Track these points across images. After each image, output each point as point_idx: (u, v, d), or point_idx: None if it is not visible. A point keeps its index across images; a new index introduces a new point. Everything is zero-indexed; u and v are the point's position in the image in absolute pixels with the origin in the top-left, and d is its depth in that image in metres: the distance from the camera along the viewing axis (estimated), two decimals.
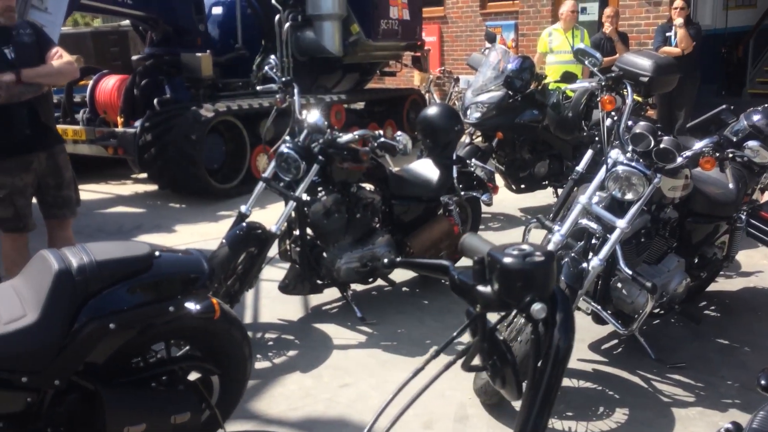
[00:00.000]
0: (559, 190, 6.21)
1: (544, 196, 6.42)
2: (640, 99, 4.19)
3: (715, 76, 11.27)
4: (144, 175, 7.40)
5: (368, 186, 4.12)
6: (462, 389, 3.17)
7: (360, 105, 9.82)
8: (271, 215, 4.47)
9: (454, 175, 4.28)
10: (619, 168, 2.98)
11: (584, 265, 2.98)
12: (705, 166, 2.94)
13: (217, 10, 8.71)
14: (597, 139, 4.50)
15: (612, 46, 7.71)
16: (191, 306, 2.32)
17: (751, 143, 3.43)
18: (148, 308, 2.30)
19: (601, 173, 3.07)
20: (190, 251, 2.75)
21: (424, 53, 9.99)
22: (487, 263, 1.09)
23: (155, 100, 7.02)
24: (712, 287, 4.14)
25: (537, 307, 1.03)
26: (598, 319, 3.32)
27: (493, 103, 5.64)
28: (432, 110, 4.40)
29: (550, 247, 3.05)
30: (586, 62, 3.38)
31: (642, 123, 3.02)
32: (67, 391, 2.20)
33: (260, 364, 3.43)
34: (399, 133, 3.82)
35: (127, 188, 7.67)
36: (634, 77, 3.60)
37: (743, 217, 3.65)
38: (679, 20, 7.23)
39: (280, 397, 3.15)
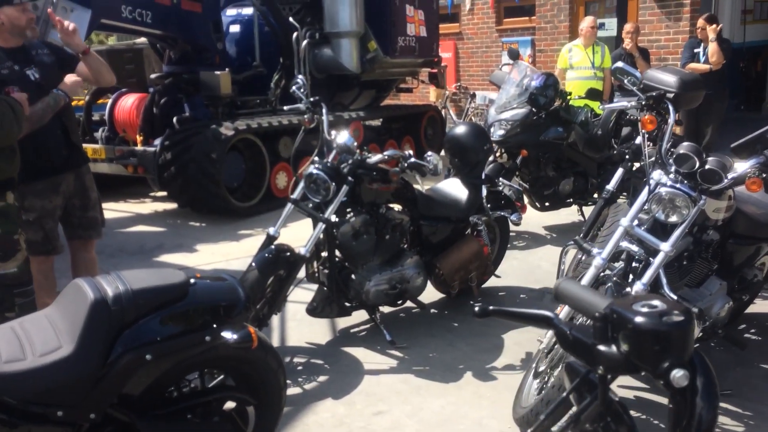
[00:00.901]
0: (584, 208, 6.13)
1: (569, 214, 6.33)
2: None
3: (735, 91, 11.15)
4: (163, 194, 7.37)
5: (396, 206, 4.04)
6: (500, 417, 3.07)
7: (377, 122, 9.78)
8: (294, 234, 4.42)
9: (483, 194, 4.20)
10: (663, 190, 2.89)
11: (628, 289, 2.89)
12: (752, 187, 2.85)
13: (235, 28, 8.71)
14: (627, 157, 4.41)
15: (633, 62, 7.63)
16: (228, 335, 2.25)
17: None
18: (184, 338, 2.23)
19: (644, 195, 2.98)
20: (224, 277, 2.69)
21: (441, 69, 9.95)
22: (612, 321, 0.98)
23: (174, 119, 7.00)
24: (752, 309, 4.03)
25: (678, 374, 0.92)
26: None
27: (518, 121, 5.57)
28: (460, 129, 4.34)
29: (592, 271, 2.96)
30: (625, 81, 3.30)
31: (685, 143, 2.94)
32: (102, 424, 2.13)
33: (291, 391, 3.33)
34: (429, 153, 3.75)
35: (147, 207, 7.64)
36: (660, 94, 3.51)
37: None
38: (712, 35, 7.13)
39: (314, 425, 3.07)
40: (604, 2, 9.72)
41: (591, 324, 1.01)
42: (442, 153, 4.55)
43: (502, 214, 4.36)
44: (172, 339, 2.20)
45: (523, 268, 5.08)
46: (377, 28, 8.57)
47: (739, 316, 3.91)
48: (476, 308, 1.25)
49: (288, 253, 3.57)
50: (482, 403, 3.24)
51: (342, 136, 3.65)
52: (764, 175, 2.85)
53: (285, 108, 4.64)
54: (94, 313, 2.04)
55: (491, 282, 4.62)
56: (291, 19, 8.29)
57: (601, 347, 0.98)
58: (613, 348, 0.96)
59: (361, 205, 3.77)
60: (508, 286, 4.70)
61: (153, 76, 8.00)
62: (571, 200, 6.08)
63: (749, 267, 3.61)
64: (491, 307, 1.18)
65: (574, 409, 1.12)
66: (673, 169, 2.93)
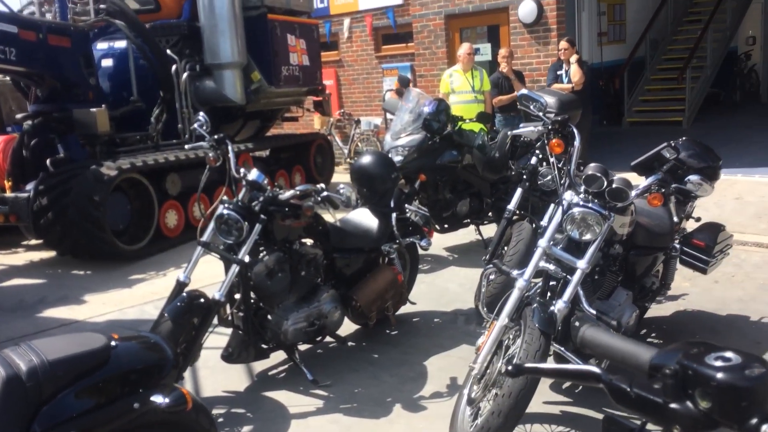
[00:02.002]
0: (481, 227, 6.31)
1: (466, 234, 6.49)
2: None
3: (596, 108, 12.01)
4: (38, 242, 6.79)
5: (308, 240, 3.95)
6: None
7: (264, 153, 9.61)
8: (194, 276, 4.19)
9: (393, 222, 4.20)
10: (576, 210, 3.02)
11: (551, 308, 2.97)
12: (653, 202, 3.04)
13: (108, 62, 8.28)
14: (524, 177, 4.58)
15: (510, 84, 8.04)
16: (159, 399, 2.07)
17: (693, 177, 3.61)
18: (110, 409, 2.04)
19: (558, 216, 3.09)
20: (145, 335, 2.49)
21: (326, 97, 9.97)
22: (685, 377, 0.93)
23: (48, 161, 6.49)
24: (648, 314, 4.28)
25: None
26: (560, 359, 3.32)
27: (414, 146, 5.66)
28: (367, 159, 4.33)
29: (516, 293, 3.02)
30: (531, 107, 3.43)
31: (592, 165, 3.09)
32: None
33: None
34: (342, 185, 3.70)
35: (20, 257, 7.00)
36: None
37: (677, 246, 3.81)
38: (574, 56, 7.68)
39: None
40: (476, 29, 10.17)
41: (647, 378, 0.97)
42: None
43: (412, 240, 4.38)
44: (97, 411, 2.00)
45: (432, 292, 5.13)
46: (260, 58, 8.47)
47: (640, 321, 4.15)
48: (509, 368, 1.18)
49: (202, 300, 3.38)
50: None
51: (252, 173, 3.52)
52: (663, 191, 3.05)
53: (187, 147, 4.40)
54: (6, 392, 1.81)
55: (404, 308, 4.62)
56: (169, 51, 8.00)
57: (676, 405, 0.94)
58: (689, 405, 0.93)
59: (274, 243, 3.65)
60: (421, 311, 4.71)
61: (19, 116, 7.39)
62: (468, 220, 6.23)
63: (648, 276, 3.85)
64: (527, 365, 1.13)
65: None
66: (582, 189, 3.07)
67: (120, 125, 7.65)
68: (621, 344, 1.08)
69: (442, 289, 5.21)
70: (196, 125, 3.72)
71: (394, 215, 4.22)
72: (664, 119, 12.00)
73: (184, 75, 7.90)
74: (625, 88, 12.42)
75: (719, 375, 0.88)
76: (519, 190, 4.60)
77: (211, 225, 3.51)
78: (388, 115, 9.60)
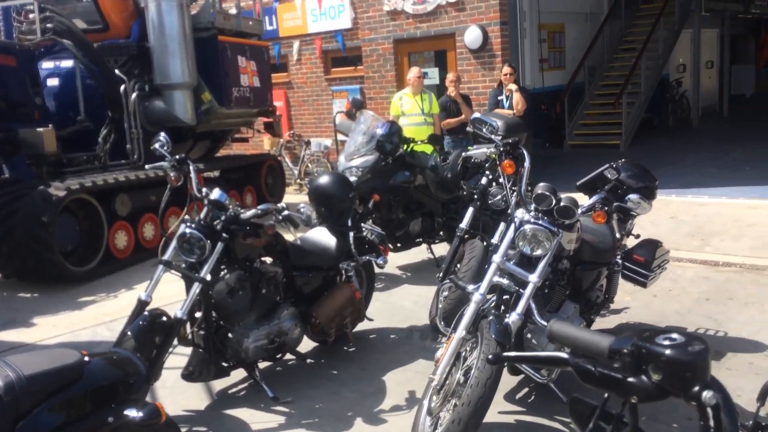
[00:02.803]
0: (433, 246, 6.47)
1: (418, 253, 6.64)
2: (494, 156, 4.56)
3: (539, 131, 12.46)
4: None
5: (268, 259, 4.02)
6: None
7: (215, 173, 9.59)
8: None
9: (351, 241, 4.31)
10: (527, 227, 3.20)
11: (506, 320, 3.13)
12: (597, 219, 3.25)
13: (54, 81, 8.17)
14: (476, 197, 4.76)
15: (457, 107, 8.29)
16: (132, 413, 2.11)
17: (633, 197, 3.85)
18: (85, 423, 2.07)
19: (510, 232, 3.27)
20: (117, 351, 2.52)
21: (276, 118, 10.04)
22: (640, 355, 1.10)
23: None
24: (592, 327, 4.50)
25: (709, 395, 1.05)
26: (514, 371, 3.48)
27: (368, 167, 5.80)
28: (324, 179, 4.43)
29: (473, 307, 3.17)
30: (484, 129, 3.62)
31: (542, 184, 3.28)
32: None
33: None
34: (302, 204, 3.79)
35: None
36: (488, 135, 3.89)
37: (619, 261, 4.04)
38: (513, 85, 8.01)
39: None
40: (423, 53, 10.46)
41: (608, 359, 1.13)
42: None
43: (369, 258, 4.50)
44: (72, 426, 2.04)
45: (387, 309, 5.24)
46: (210, 79, 8.49)
47: None
48: (490, 356, 1.32)
49: (164, 318, 3.41)
50: None
51: (215, 193, 3.58)
52: (606, 209, 3.26)
53: (147, 167, 4.41)
54: None
55: (361, 325, 4.71)
56: (117, 71, 7.94)
57: (632, 379, 1.10)
58: (644, 378, 1.09)
59: (235, 261, 3.70)
60: (378, 328, 4.82)
61: None
62: (420, 239, 6.39)
63: (593, 290, 4.06)
64: (505, 354, 1.25)
65: None
66: (533, 207, 3.25)
67: (67, 145, 7.53)
68: (584, 334, 1.23)
69: (397, 306, 5.33)
70: (156, 145, 3.76)
71: (351, 234, 4.33)
72: (602, 142, 12.53)
73: (133, 95, 7.86)
74: (565, 112, 12.92)
75: (667, 351, 1.05)
76: (470, 209, 4.77)
77: (173, 243, 3.54)
78: (340, 137, 9.75)
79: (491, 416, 3.54)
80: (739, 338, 4.33)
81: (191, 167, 3.76)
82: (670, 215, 7.49)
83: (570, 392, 3.60)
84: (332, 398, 3.80)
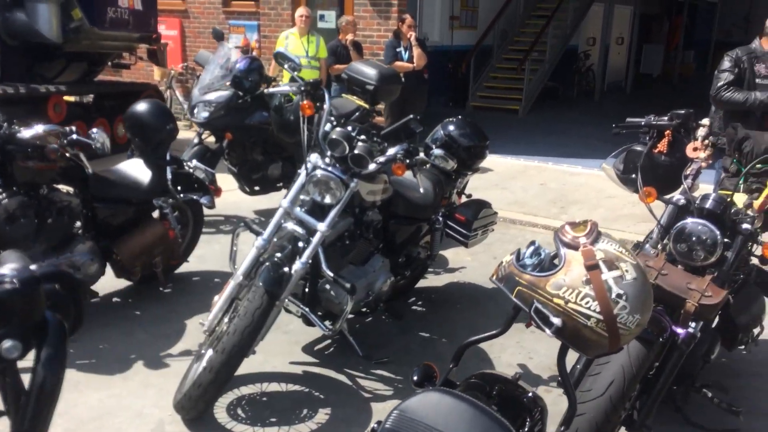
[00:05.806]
0: None
1: (280, 198, 6.40)
2: (367, 106, 4.36)
3: (443, 89, 12.35)
4: None
5: (66, 188, 3.70)
6: (164, 406, 2.97)
7: (88, 98, 8.97)
8: None
9: (169, 176, 4.04)
10: (318, 172, 3.03)
11: (285, 269, 2.97)
12: (397, 171, 3.10)
13: None
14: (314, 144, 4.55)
15: (347, 53, 8.00)
16: None
17: (436, 151, 3.74)
18: None
19: (302, 177, 3.09)
20: None
21: (161, 47, 9.45)
22: None
23: None
24: (422, 284, 4.44)
25: (6, 346, 0.88)
26: (308, 322, 3.35)
27: (221, 103, 5.49)
28: (141, 106, 4.09)
29: (253, 252, 3.00)
30: (286, 66, 3.38)
31: (338, 129, 3.10)
32: None
33: None
34: (95, 129, 3.48)
35: None
36: (361, 85, 3.71)
37: (441, 218, 3.95)
38: (414, 39, 7.75)
39: None
40: None
41: None
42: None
43: (193, 197, 4.24)
44: None
45: (224, 252, 5.01)
46: None
47: (410, 290, 4.30)
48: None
49: None
50: (148, 392, 3.11)
51: None
52: (407, 161, 3.12)
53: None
54: None
55: (186, 267, 4.49)
56: None
57: None
58: None
59: (17, 185, 3.37)
60: (205, 270, 4.60)
61: None
62: (281, 185, 6.16)
63: (413, 245, 3.97)
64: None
65: None
66: (328, 153, 3.07)
67: None
68: None
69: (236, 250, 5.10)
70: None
71: (169, 169, 4.05)
72: (503, 107, 12.55)
73: None
74: (471, 72, 12.83)
75: None
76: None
77: None
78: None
79: (281, 366, 3.44)
80: None
81: None
82: (540, 182, 7.55)
83: (369, 347, 3.50)
84: (121, 338, 3.58)
